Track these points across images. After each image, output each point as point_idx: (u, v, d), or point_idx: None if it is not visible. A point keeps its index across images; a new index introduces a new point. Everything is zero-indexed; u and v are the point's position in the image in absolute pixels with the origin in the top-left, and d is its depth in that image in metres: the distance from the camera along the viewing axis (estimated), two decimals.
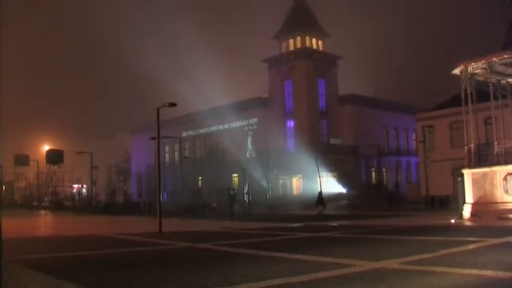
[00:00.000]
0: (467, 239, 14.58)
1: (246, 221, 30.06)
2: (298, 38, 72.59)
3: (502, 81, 26.84)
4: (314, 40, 73.83)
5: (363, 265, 9.82)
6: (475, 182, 24.01)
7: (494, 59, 24.29)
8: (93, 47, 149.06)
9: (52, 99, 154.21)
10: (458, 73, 25.31)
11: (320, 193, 35.84)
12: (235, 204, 39.24)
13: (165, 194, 71.35)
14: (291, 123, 71.86)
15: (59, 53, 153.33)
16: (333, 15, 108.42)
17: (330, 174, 67.27)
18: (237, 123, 73.64)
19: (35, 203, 79.07)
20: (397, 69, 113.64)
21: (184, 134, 77.83)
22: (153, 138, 26.64)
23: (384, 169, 72.90)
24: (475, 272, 8.58)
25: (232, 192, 40.23)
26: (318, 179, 64.41)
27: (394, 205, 42.36)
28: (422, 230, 19.96)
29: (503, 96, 27.04)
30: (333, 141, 70.19)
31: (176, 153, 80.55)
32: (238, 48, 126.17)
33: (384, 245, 14.42)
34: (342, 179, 66.34)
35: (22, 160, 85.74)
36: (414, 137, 71.32)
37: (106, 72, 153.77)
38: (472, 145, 24.95)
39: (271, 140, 70.62)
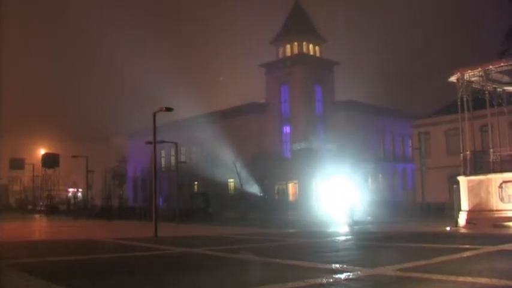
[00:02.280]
0: (462, 246, 14.61)
1: (242, 227, 30.04)
2: (295, 44, 72.66)
3: (498, 89, 26.96)
4: (311, 46, 73.92)
5: (358, 271, 9.83)
6: (471, 189, 24.07)
7: (490, 66, 24.41)
8: (91, 50, 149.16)
9: (48, 103, 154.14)
10: (455, 80, 25.41)
11: (347, 201, 34.71)
12: (209, 208, 39.63)
13: (161, 199, 71.17)
14: (287, 129, 71.82)
15: (55, 56, 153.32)
16: (330, 20, 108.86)
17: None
18: (233, 128, 73.57)
19: (30, 207, 78.77)
20: (394, 76, 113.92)
21: (185, 138, 78.01)
22: (150, 143, 26.63)
23: (379, 175, 72.91)
24: (469, 279, 8.60)
25: (203, 198, 40.62)
26: (314, 185, 64.33)
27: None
28: (418, 237, 19.99)
29: (499, 104, 27.15)
30: (328, 147, 70.19)
31: (172, 157, 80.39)
32: (234, 53, 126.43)
33: (379, 252, 14.45)
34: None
35: (17, 164, 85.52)
36: (410, 144, 71.37)
37: (103, 76, 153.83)
38: (468, 152, 25.01)
39: (267, 145, 70.61)
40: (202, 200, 43.40)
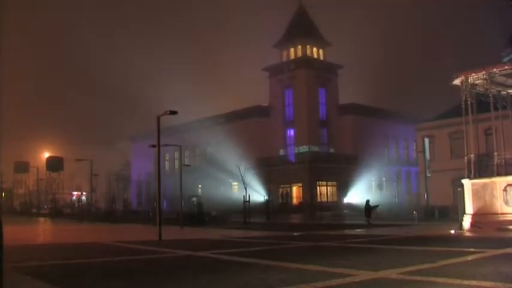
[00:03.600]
0: (467, 249, 14.58)
1: (246, 230, 30.02)
2: (299, 47, 72.74)
3: (502, 92, 26.89)
4: (315, 49, 73.96)
5: (362, 275, 9.82)
6: (475, 192, 24.00)
7: (494, 69, 24.35)
8: (93, 52, 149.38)
9: (52, 107, 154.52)
10: (459, 83, 25.36)
11: (368, 202, 35.62)
12: (203, 211, 39.83)
13: (165, 202, 71.22)
14: (291, 132, 71.84)
15: (59, 59, 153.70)
16: (333, 24, 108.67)
17: (329, 183, 67.44)
18: (237, 132, 73.58)
19: (34, 210, 78.88)
20: (398, 79, 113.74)
21: (189, 141, 78.35)
22: (153, 146, 26.67)
23: (383, 179, 72.82)
24: (474, 283, 8.58)
25: (195, 200, 40.65)
26: (318, 188, 64.26)
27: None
28: (422, 240, 19.94)
29: (504, 107, 27.08)
30: (331, 150, 70.23)
31: (176, 161, 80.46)
32: (238, 56, 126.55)
33: (383, 255, 14.41)
34: (342, 188, 66.34)
35: (22, 167, 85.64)
36: (414, 147, 71.28)
37: (106, 79, 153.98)
38: (472, 156, 24.95)
39: (271, 149, 70.65)
40: (195, 203, 43.53)
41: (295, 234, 26.07)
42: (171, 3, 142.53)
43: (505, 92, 27.01)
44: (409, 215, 41.30)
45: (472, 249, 14.44)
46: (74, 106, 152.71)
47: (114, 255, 15.37)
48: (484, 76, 24.61)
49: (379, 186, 66.09)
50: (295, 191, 68.81)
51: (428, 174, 40.75)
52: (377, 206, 38.40)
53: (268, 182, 65.50)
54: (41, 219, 60.16)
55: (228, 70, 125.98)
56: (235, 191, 70.17)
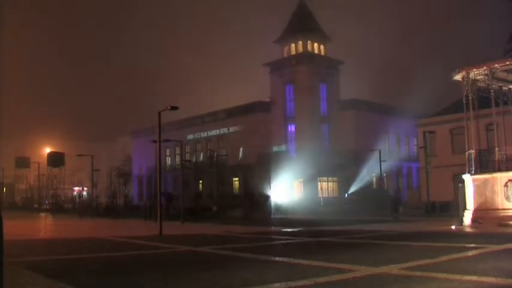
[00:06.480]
0: (467, 245, 14.59)
1: (246, 225, 30.04)
2: (300, 43, 72.60)
3: (504, 88, 26.85)
4: (316, 44, 73.81)
5: (363, 270, 9.82)
6: (476, 188, 23.99)
7: (496, 65, 24.32)
8: (94, 50, 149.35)
9: (54, 102, 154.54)
10: (460, 79, 25.32)
11: (395, 196, 35.41)
12: (174, 206, 39.93)
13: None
14: (292, 128, 71.76)
15: (60, 56, 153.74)
16: (335, 20, 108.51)
17: (330, 179, 67.47)
18: (238, 127, 73.55)
19: (35, 206, 79.02)
20: (399, 74, 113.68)
21: (190, 136, 78.19)
22: (155, 141, 26.68)
23: (384, 174, 72.71)
24: (475, 278, 8.58)
25: (166, 197, 40.89)
26: (318, 183, 64.33)
27: (396, 211, 42.23)
28: (423, 235, 19.95)
29: (505, 103, 27.05)
30: (332, 146, 70.18)
31: (177, 156, 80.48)
32: (240, 52, 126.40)
33: (384, 251, 14.42)
34: (343, 183, 66.35)
35: (23, 162, 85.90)
36: (415, 143, 71.17)
37: (108, 76, 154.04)
38: (473, 151, 24.92)
39: (272, 144, 70.58)
40: (165, 199, 43.74)
41: (296, 229, 26.09)
42: None
43: (506, 88, 26.97)
44: (410, 210, 41.34)
45: (472, 245, 14.45)
46: (75, 102, 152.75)
47: (115, 251, 15.38)
48: (486, 71, 24.57)
49: (380, 182, 65.88)
50: (296, 187, 68.79)
51: (429, 170, 40.69)
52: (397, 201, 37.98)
53: (269, 178, 65.52)
54: (42, 214, 60.23)
55: (230, 65, 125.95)
56: (236, 187, 70.19)
